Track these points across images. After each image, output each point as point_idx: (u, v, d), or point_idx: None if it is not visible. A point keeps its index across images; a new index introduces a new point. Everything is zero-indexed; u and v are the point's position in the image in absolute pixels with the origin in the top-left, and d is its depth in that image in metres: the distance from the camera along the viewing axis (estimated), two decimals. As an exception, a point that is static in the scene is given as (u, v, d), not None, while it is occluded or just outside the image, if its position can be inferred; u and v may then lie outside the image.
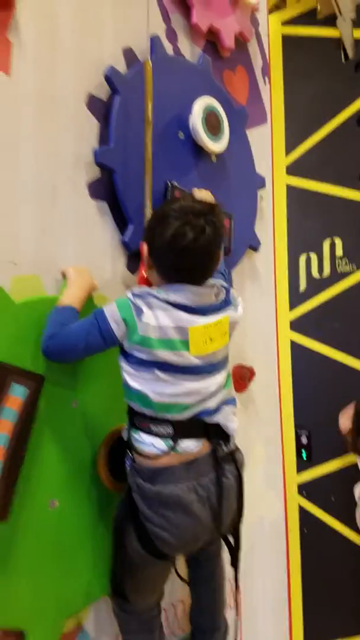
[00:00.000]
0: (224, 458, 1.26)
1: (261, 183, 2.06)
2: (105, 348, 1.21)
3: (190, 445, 1.21)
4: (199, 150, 1.71)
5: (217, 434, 1.25)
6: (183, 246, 1.17)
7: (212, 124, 1.70)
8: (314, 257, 2.79)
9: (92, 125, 1.49)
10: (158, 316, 1.17)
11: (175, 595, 1.62)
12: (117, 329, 1.17)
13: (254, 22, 2.11)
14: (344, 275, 2.66)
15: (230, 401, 1.31)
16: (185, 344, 1.19)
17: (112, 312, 1.18)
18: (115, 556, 1.29)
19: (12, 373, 1.14)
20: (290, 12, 3.24)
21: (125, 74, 1.54)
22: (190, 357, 1.19)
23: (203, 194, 1.65)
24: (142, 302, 1.18)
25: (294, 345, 2.53)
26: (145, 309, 1.17)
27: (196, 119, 1.65)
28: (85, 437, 1.30)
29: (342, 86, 2.83)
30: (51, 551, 1.22)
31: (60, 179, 1.39)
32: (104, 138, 1.50)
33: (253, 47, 2.11)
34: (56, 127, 1.39)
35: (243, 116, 1.93)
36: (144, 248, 1.26)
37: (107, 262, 1.51)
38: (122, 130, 1.50)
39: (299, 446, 2.42)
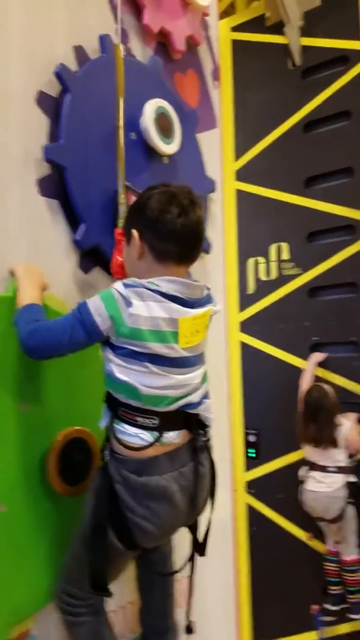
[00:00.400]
0: (200, 447, 1.27)
1: (211, 187, 2.08)
2: (90, 343, 1.19)
3: (174, 436, 1.22)
4: (150, 152, 1.72)
5: (196, 424, 1.27)
6: (181, 223, 1.19)
7: (163, 126, 1.71)
8: (262, 260, 2.85)
9: (42, 122, 1.46)
10: (150, 307, 1.16)
11: (124, 597, 1.61)
12: (102, 323, 1.15)
13: (205, 26, 2.14)
14: (290, 278, 2.74)
15: (208, 395, 1.33)
16: (175, 336, 1.19)
17: (96, 306, 1.15)
18: (79, 550, 1.25)
19: None
20: (240, 18, 3.30)
21: (76, 72, 1.53)
22: (179, 349, 1.20)
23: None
24: (133, 293, 1.16)
25: (243, 346, 2.58)
26: (135, 300, 1.15)
27: (148, 120, 1.66)
28: (34, 441, 1.27)
29: (290, 93, 2.90)
30: (-2, 556, 1.19)
31: (8, 177, 1.36)
32: (54, 135, 1.48)
33: (203, 51, 2.13)
34: (4, 123, 1.36)
35: (194, 119, 1.95)
36: (134, 234, 1.23)
37: (58, 261, 1.48)
38: (73, 127, 1.48)
39: (247, 445, 2.47)
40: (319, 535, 2.31)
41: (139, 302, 1.15)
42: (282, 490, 2.46)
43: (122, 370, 1.17)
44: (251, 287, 2.69)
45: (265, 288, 2.74)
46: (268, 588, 2.49)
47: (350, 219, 2.58)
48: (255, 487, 2.48)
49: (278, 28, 3.06)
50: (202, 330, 1.26)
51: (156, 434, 1.19)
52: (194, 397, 1.25)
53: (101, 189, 1.54)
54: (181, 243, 1.22)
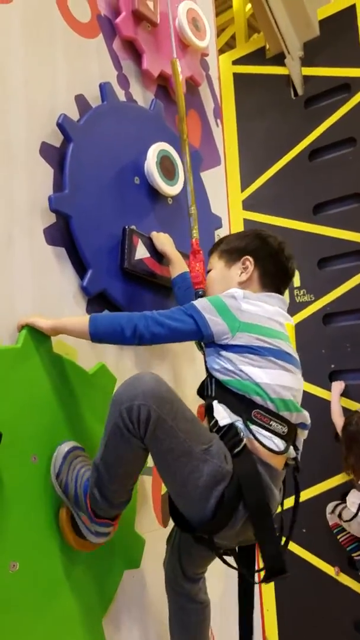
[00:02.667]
0: (294, 473, 1.30)
1: (217, 223, 2.09)
2: (196, 339, 1.28)
3: (292, 451, 1.23)
4: (154, 194, 1.74)
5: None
6: (291, 263, 1.40)
7: (166, 168, 1.73)
8: (273, 288, 2.84)
9: (46, 172, 1.49)
10: (264, 305, 1.26)
11: None
12: (215, 324, 1.22)
13: (204, 66, 2.17)
14: (303, 305, 2.72)
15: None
16: (287, 337, 1.27)
17: (208, 308, 1.23)
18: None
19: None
20: (240, 51, 3.37)
21: (77, 120, 1.56)
22: (293, 349, 1.27)
23: (162, 238, 1.67)
24: (242, 296, 1.26)
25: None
26: (245, 302, 1.25)
27: (151, 164, 1.68)
28: (45, 494, 1.26)
29: (294, 122, 2.93)
30: (12, 616, 1.17)
31: (15, 227, 1.38)
32: (59, 184, 1.50)
33: (204, 90, 2.16)
34: (9, 176, 1.39)
35: (197, 159, 1.97)
36: (249, 259, 1.37)
37: (66, 308, 1.49)
38: (77, 176, 1.50)
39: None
40: (347, 568, 2.24)
41: (248, 304, 1.25)
42: (306, 523, 2.40)
43: (254, 368, 1.19)
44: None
45: (278, 317, 2.72)
46: (296, 625, 2.42)
47: (360, 244, 2.57)
48: (278, 522, 2.43)
49: (279, 59, 3.12)
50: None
51: (285, 443, 1.19)
52: (308, 418, 1.27)
53: (107, 234, 1.56)
54: (285, 280, 1.40)
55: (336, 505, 2.31)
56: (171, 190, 1.74)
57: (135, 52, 1.84)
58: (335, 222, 2.68)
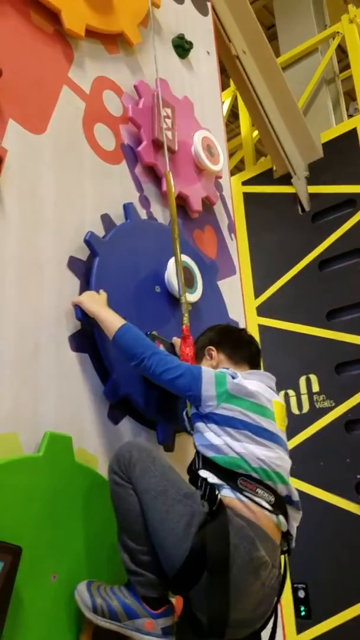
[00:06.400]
0: (287, 551, 1.29)
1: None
2: (186, 396, 1.37)
3: (284, 522, 1.23)
4: (174, 301, 1.79)
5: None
6: (237, 327, 1.65)
7: (185, 277, 1.80)
8: (292, 393, 2.82)
9: (73, 284, 1.56)
10: (251, 382, 1.34)
11: None
12: (205, 390, 1.30)
13: (218, 187, 2.34)
14: (324, 411, 2.68)
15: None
16: (272, 415, 1.32)
17: (208, 376, 1.33)
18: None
19: (-14, 547, 1.05)
20: (249, 173, 3.64)
21: (103, 237, 1.66)
22: (276, 427, 1.31)
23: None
24: (233, 372, 1.36)
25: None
26: (238, 380, 1.33)
27: (171, 274, 1.75)
28: (66, 615, 1.17)
29: (302, 235, 3.09)
30: None
31: (42, 335, 1.43)
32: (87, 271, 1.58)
33: (219, 208, 2.31)
34: (39, 289, 1.46)
35: (214, 269, 2.06)
36: (208, 343, 1.54)
37: (88, 413, 1.49)
38: (102, 286, 1.57)
39: (296, 602, 2.23)
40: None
41: (241, 379, 1.34)
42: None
43: (233, 440, 1.24)
44: (284, 424, 2.62)
45: (299, 422, 2.67)
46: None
47: (376, 349, 2.58)
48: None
49: (286, 179, 3.36)
50: (284, 422, 1.38)
51: (272, 509, 1.20)
52: (294, 493, 1.28)
53: (129, 340, 1.59)
54: (248, 348, 1.52)
55: None
56: (190, 297, 1.80)
57: (155, 176, 2.00)
58: (350, 328, 2.72)
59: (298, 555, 2.30)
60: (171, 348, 1.69)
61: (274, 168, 3.49)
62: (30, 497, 1.20)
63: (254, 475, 1.22)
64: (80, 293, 1.56)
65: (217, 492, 1.20)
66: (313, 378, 2.76)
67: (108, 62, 1.97)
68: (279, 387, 2.68)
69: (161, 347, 1.65)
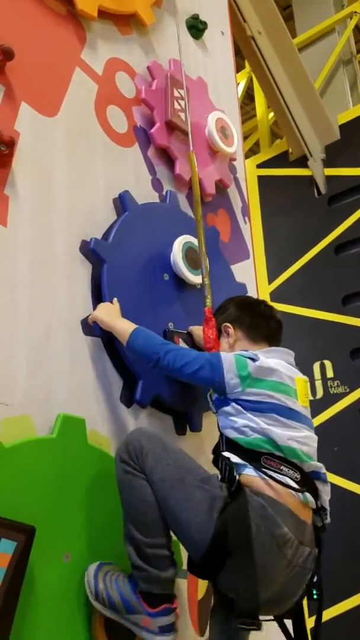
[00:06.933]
0: (323, 527, 1.27)
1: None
2: (210, 387, 1.36)
3: (311, 500, 1.22)
4: (183, 286, 1.77)
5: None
6: (257, 299, 1.60)
7: (192, 259, 1.77)
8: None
9: (85, 267, 1.56)
10: (272, 361, 1.33)
11: None
12: (229, 378, 1.28)
13: (232, 170, 2.31)
14: (337, 397, 2.66)
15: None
16: (295, 392, 1.31)
17: (228, 362, 1.30)
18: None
19: None
20: (264, 155, 3.59)
21: (105, 238, 1.61)
22: (300, 405, 1.30)
23: (198, 332, 1.69)
24: (252, 354, 1.33)
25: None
26: (259, 362, 1.31)
27: (176, 255, 1.73)
28: (77, 595, 1.19)
29: (318, 219, 3.05)
30: None
31: (55, 319, 1.43)
32: (97, 277, 1.56)
33: (233, 191, 2.28)
34: (51, 271, 1.46)
35: (214, 235, 2.00)
36: (225, 319, 1.51)
37: (101, 395, 1.50)
38: (113, 294, 1.54)
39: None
40: None
41: (261, 358, 1.32)
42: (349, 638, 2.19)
43: (256, 421, 1.24)
44: (297, 409, 2.61)
45: (312, 408, 2.65)
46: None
47: (393, 334, 2.55)
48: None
49: (302, 162, 3.31)
50: (307, 397, 1.36)
51: (298, 486, 1.19)
52: (321, 467, 1.28)
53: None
54: (268, 323, 1.49)
55: None
56: (197, 279, 1.76)
57: (168, 158, 1.98)
58: (366, 313, 2.68)
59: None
60: (188, 338, 1.69)
61: (290, 150, 3.44)
62: (43, 478, 1.21)
63: (278, 453, 1.22)
64: (92, 288, 1.56)
65: (235, 473, 1.19)
66: (327, 364, 2.74)
67: (121, 43, 1.94)
68: (293, 372, 2.68)
69: (180, 342, 1.65)
